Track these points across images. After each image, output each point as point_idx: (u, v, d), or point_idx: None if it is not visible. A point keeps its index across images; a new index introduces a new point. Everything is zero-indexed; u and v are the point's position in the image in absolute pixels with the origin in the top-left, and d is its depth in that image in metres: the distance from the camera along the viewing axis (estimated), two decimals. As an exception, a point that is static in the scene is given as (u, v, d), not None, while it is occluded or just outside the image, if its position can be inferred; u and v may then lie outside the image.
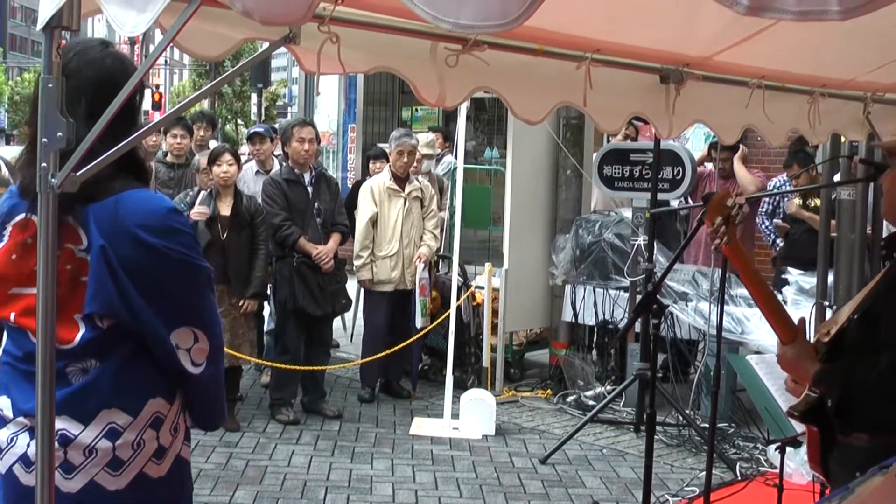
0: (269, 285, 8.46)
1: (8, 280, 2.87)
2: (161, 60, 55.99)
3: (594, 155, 9.58)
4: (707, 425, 6.47)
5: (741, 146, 9.51)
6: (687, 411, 8.13)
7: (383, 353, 8.78)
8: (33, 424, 2.69)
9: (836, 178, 7.54)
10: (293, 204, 8.28)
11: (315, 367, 8.45)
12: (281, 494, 6.71)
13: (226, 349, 7.74)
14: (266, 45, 3.29)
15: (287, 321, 8.35)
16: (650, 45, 4.60)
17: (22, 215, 2.89)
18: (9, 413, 2.88)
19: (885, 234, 6.99)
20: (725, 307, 8.00)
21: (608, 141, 10.62)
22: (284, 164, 8.78)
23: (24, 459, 2.82)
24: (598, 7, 4.00)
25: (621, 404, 8.81)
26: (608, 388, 8.93)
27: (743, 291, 8.47)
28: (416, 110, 17.39)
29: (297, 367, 8.27)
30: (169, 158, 9.30)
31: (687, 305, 8.54)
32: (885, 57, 5.36)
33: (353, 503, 6.64)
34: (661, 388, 7.79)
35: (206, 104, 36.55)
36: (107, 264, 2.75)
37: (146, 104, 46.25)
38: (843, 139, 6.77)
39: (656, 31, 4.41)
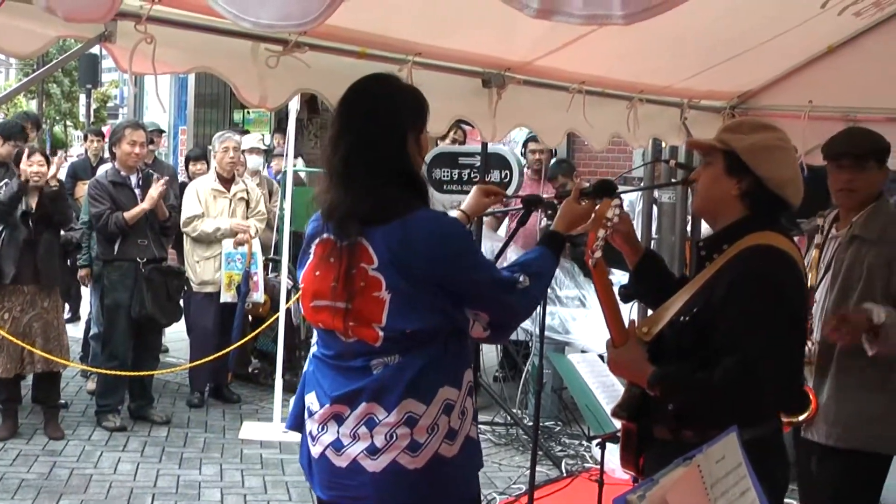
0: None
1: (314, 294, 3.23)
2: (-16, 59, 54.10)
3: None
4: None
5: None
6: (514, 410, 8.25)
7: (212, 357, 8.64)
8: (339, 411, 3.16)
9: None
10: (120, 206, 8.04)
11: (143, 373, 8.29)
12: (106, 503, 6.58)
13: (41, 353, 7.54)
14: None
15: (116, 327, 8.13)
16: (471, 48, 4.68)
17: (323, 235, 3.22)
18: (315, 406, 3.25)
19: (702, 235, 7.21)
20: (552, 308, 8.16)
21: (437, 144, 10.69)
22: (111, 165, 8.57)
23: (335, 444, 3.18)
24: (418, 11, 4.06)
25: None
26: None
27: (569, 293, 8.64)
28: (248, 112, 17.22)
29: (125, 373, 8.08)
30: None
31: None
32: (699, 65, 5.58)
33: (181, 509, 6.57)
34: (488, 388, 7.90)
35: (33, 105, 35.58)
36: (405, 280, 3.04)
37: (-32, 104, 44.83)
38: (664, 144, 6.96)
39: (476, 36, 4.49)
